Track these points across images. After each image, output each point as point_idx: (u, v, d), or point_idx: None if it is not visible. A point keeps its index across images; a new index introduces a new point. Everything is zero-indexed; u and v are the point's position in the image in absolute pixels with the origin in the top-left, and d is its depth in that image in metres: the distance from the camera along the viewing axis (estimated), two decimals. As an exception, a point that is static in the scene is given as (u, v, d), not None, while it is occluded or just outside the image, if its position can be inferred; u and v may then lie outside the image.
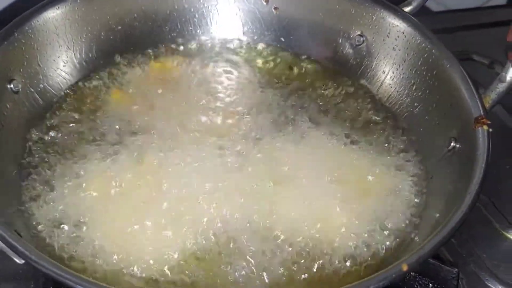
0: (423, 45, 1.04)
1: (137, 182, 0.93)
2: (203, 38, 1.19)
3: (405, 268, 0.69)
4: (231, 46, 1.20)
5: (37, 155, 0.96)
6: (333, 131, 1.04)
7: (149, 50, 1.16)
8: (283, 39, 1.19)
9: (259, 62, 1.18)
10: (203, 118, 1.05)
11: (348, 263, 0.87)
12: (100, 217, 0.88)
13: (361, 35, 1.13)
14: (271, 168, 0.97)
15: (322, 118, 1.07)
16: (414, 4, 1.10)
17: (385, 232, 0.91)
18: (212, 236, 0.88)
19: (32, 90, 1.00)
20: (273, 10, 1.18)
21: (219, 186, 0.93)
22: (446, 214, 0.82)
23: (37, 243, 0.83)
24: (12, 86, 0.95)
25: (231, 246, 0.87)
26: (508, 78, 0.91)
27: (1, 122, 0.92)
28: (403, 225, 0.92)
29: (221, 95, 1.11)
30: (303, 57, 1.19)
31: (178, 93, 1.09)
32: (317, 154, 1.00)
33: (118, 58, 1.13)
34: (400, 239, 0.90)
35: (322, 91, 1.13)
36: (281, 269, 0.85)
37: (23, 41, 0.97)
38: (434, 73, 1.02)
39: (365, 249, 0.88)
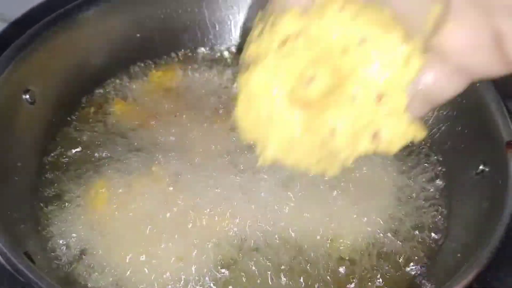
0: (451, 61, 1.00)
1: (155, 200, 0.91)
2: (223, 47, 1.17)
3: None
4: (252, 55, 1.17)
5: (52, 171, 0.95)
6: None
7: (166, 57, 1.14)
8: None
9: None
10: (213, 128, 1.02)
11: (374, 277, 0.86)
12: (114, 237, 0.86)
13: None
14: (283, 176, 0.94)
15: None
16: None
17: (405, 253, 0.89)
18: (231, 250, 0.87)
19: (48, 101, 0.98)
20: (295, 20, 1.15)
21: (231, 197, 0.92)
22: (472, 244, 0.79)
23: (49, 266, 0.81)
24: (27, 96, 0.93)
25: (250, 257, 0.86)
26: (541, 100, 0.88)
27: (16, 134, 0.90)
28: (425, 246, 0.90)
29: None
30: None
31: (193, 103, 1.07)
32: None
33: (134, 66, 1.11)
34: (421, 262, 0.88)
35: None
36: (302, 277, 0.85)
37: (39, 49, 0.95)
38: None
39: (387, 267, 0.87)
